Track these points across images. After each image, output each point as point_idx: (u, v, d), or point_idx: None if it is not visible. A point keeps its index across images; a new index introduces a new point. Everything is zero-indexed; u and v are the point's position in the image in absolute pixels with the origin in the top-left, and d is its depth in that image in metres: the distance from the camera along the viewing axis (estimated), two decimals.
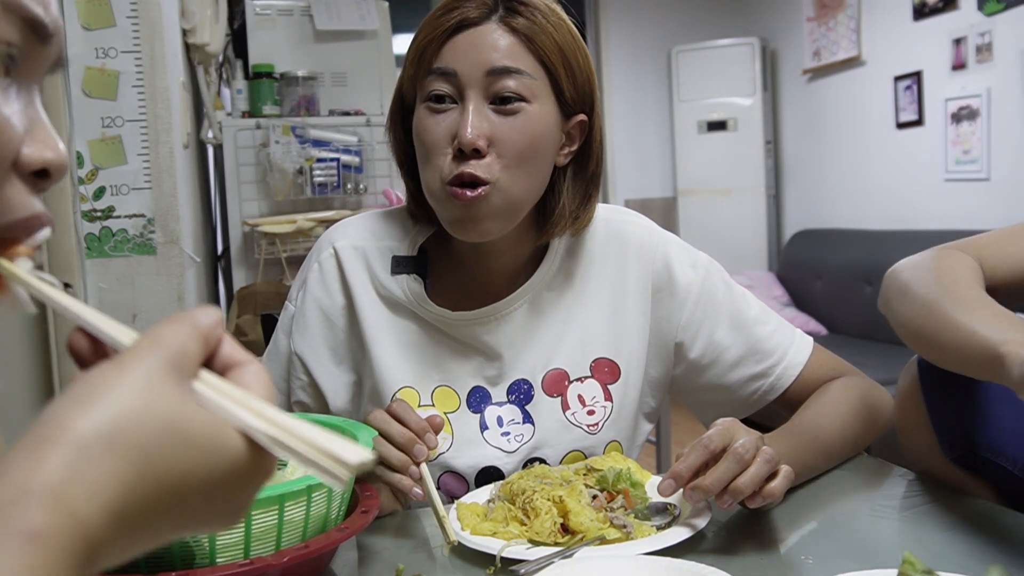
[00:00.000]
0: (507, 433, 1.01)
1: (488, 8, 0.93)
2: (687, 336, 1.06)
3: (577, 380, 1.03)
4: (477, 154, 0.91)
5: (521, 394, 1.03)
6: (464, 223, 0.94)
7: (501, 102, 0.92)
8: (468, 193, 0.91)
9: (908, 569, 0.60)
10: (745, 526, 0.89)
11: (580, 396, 1.03)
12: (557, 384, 1.03)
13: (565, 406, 1.02)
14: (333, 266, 1.05)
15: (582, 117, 0.99)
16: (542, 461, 1.01)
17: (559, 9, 0.96)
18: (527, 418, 1.02)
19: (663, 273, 1.06)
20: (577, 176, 1.02)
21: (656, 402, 1.10)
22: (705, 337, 1.05)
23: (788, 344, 1.06)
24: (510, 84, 0.91)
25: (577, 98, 0.97)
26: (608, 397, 1.03)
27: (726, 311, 1.05)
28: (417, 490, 0.85)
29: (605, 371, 1.04)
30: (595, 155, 1.02)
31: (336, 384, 1.05)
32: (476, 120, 0.91)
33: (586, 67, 0.97)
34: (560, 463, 1.01)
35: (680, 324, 1.06)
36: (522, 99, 0.92)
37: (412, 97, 0.99)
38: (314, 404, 1.06)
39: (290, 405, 1.07)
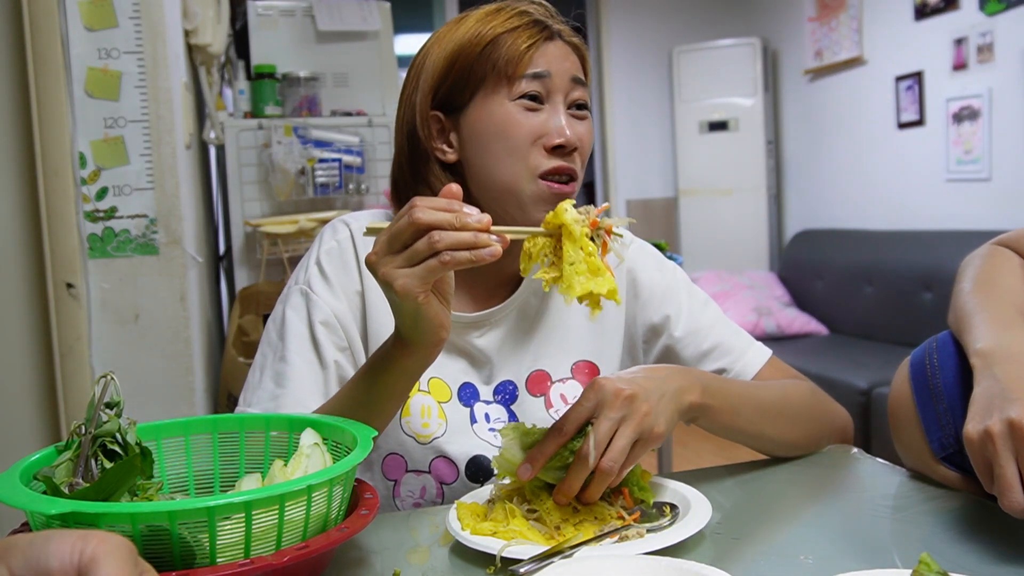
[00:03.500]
0: (493, 430, 1.06)
1: (552, 28, 1.03)
2: (652, 335, 1.12)
3: (559, 381, 1.09)
4: (572, 151, 1.00)
5: (507, 394, 1.08)
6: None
7: (578, 108, 1.02)
8: (566, 188, 1.00)
9: (924, 570, 0.60)
10: (745, 526, 0.89)
11: (562, 395, 1.08)
12: (540, 384, 1.08)
13: (548, 404, 1.07)
14: (350, 246, 1.06)
15: None
16: None
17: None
18: (512, 417, 1.07)
19: (631, 277, 1.13)
20: None
21: None
22: (667, 336, 1.11)
23: (747, 346, 1.12)
24: (582, 94, 1.03)
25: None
26: None
27: (688, 312, 1.11)
28: (494, 248, 0.80)
29: (585, 372, 1.10)
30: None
31: (361, 357, 1.04)
32: (570, 121, 1.01)
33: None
34: None
35: (647, 324, 1.12)
36: (588, 107, 1.04)
37: (458, 98, 1.02)
38: (348, 369, 1.02)
39: (327, 378, 1.01)
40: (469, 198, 1.03)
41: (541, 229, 0.86)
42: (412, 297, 0.81)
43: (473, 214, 0.80)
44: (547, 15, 1.04)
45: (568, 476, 0.85)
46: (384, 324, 1.04)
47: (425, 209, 0.79)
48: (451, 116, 1.02)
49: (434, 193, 1.05)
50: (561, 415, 0.88)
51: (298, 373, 1.00)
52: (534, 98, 0.99)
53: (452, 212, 0.80)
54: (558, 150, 0.99)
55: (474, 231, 0.79)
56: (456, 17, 1.06)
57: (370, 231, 0.87)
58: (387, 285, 0.81)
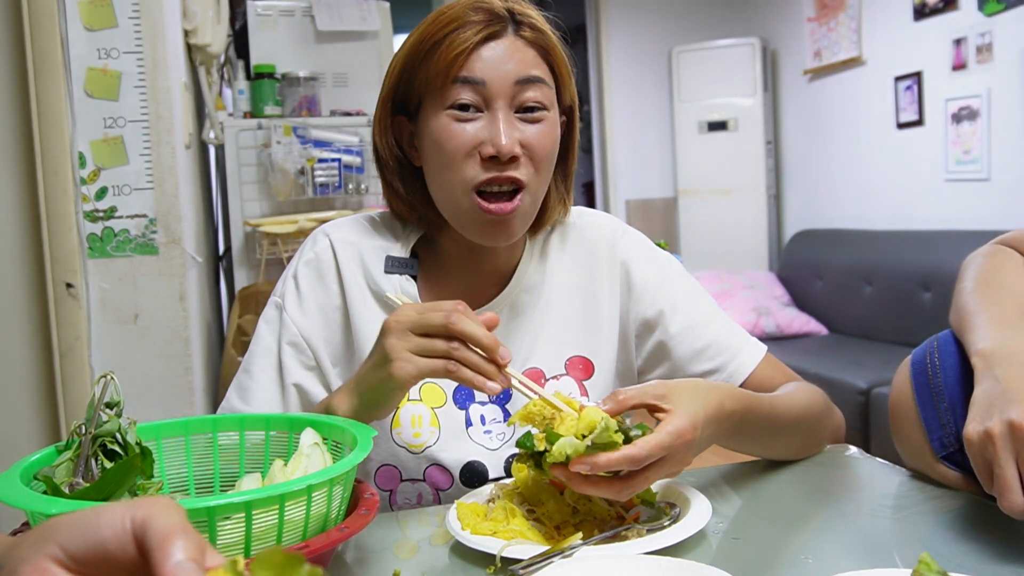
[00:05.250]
0: (489, 432, 1.04)
1: (504, 22, 0.97)
2: (645, 330, 1.10)
3: (553, 378, 1.06)
4: (512, 160, 0.95)
5: (501, 394, 1.04)
6: (497, 228, 0.98)
7: (527, 111, 0.97)
8: (506, 207, 0.96)
9: (924, 570, 0.60)
10: (745, 526, 0.89)
11: (557, 393, 1.04)
12: (534, 382, 1.05)
13: None
14: (330, 257, 1.05)
15: (563, 118, 1.05)
16: None
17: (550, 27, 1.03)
18: (507, 416, 1.05)
19: (624, 269, 1.10)
20: (558, 173, 1.07)
21: None
22: (661, 331, 1.09)
23: (742, 344, 1.09)
24: (534, 94, 0.97)
25: (568, 103, 1.04)
26: (584, 392, 1.07)
27: (683, 307, 1.09)
28: (495, 384, 0.84)
29: (579, 368, 1.08)
30: (573, 153, 1.08)
31: (331, 374, 1.05)
32: (509, 128, 0.95)
33: (572, 75, 1.04)
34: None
35: (640, 319, 1.09)
36: (543, 107, 0.98)
37: (413, 103, 1.00)
38: (314, 389, 1.03)
39: (286, 401, 1.03)
40: (429, 203, 1.04)
41: (554, 398, 0.84)
42: (400, 381, 0.84)
43: (502, 348, 0.84)
44: (510, 10, 0.97)
45: (597, 461, 0.79)
46: (368, 338, 1.02)
47: (463, 318, 0.83)
48: (412, 122, 1.01)
49: (411, 194, 1.05)
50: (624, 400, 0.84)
51: (263, 391, 1.03)
52: (464, 107, 0.95)
53: (486, 332, 0.83)
54: (494, 160, 0.95)
55: (489, 359, 0.83)
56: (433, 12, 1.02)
57: (389, 299, 0.91)
58: (386, 356, 0.84)
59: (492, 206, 0.96)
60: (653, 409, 0.84)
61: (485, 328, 0.83)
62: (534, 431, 0.84)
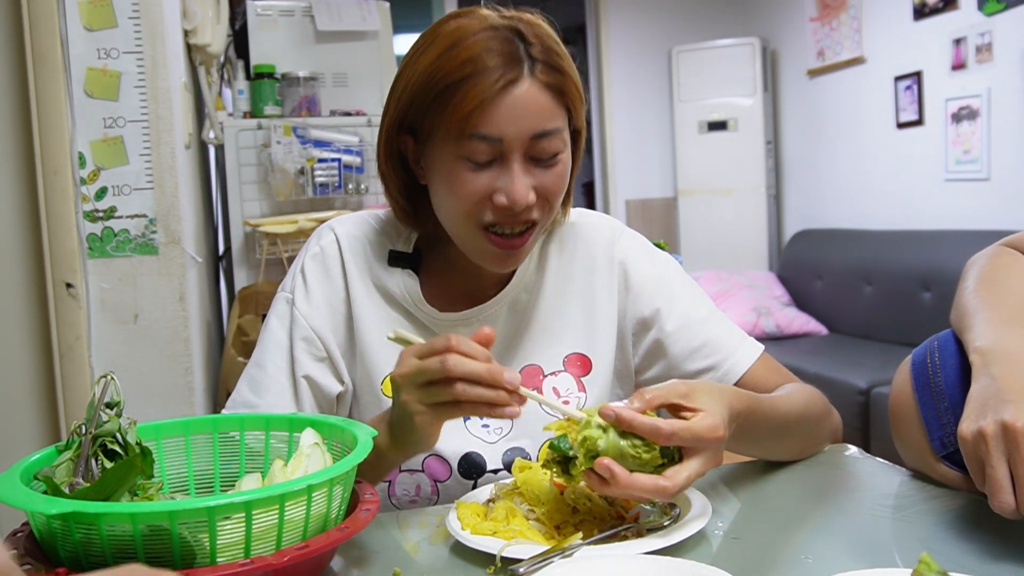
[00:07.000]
0: (487, 425, 1.06)
1: (519, 64, 0.93)
2: (642, 328, 1.11)
3: (551, 374, 1.08)
4: (526, 207, 0.96)
5: None
6: (505, 260, 1.00)
7: (541, 161, 0.96)
8: (516, 243, 0.98)
9: (924, 569, 0.60)
10: (745, 526, 0.89)
11: (555, 388, 1.07)
12: (532, 378, 1.07)
13: None
14: (335, 251, 1.07)
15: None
16: (522, 451, 1.05)
17: (559, 39, 0.98)
18: None
19: (622, 269, 1.11)
20: None
21: (624, 393, 1.13)
22: (658, 330, 1.09)
23: (738, 343, 1.10)
24: (550, 145, 0.95)
25: (576, 127, 1.02)
26: (582, 388, 1.08)
27: (679, 306, 1.10)
28: (513, 409, 0.83)
29: (577, 365, 1.09)
30: (576, 167, 1.06)
31: (341, 364, 1.07)
32: (525, 180, 0.94)
33: (583, 102, 1.01)
34: (539, 451, 1.05)
35: (636, 317, 1.10)
36: (558, 153, 0.97)
37: (421, 133, 0.99)
38: (324, 381, 1.05)
39: (298, 393, 1.03)
40: (430, 218, 1.05)
41: (576, 411, 0.85)
42: (426, 428, 0.85)
43: (506, 373, 0.82)
44: (524, 40, 0.94)
45: (639, 482, 0.80)
46: (371, 330, 1.05)
47: (460, 359, 0.81)
48: (418, 144, 1.00)
49: (413, 208, 1.06)
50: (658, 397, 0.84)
51: (276, 384, 1.04)
52: (479, 164, 0.94)
53: (486, 367, 0.81)
54: (507, 208, 0.95)
55: (499, 390, 0.81)
56: (435, 23, 0.98)
57: (398, 339, 0.89)
58: (406, 411, 0.85)
59: (503, 241, 0.97)
60: (678, 408, 0.84)
61: (485, 354, 0.82)
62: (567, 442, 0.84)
